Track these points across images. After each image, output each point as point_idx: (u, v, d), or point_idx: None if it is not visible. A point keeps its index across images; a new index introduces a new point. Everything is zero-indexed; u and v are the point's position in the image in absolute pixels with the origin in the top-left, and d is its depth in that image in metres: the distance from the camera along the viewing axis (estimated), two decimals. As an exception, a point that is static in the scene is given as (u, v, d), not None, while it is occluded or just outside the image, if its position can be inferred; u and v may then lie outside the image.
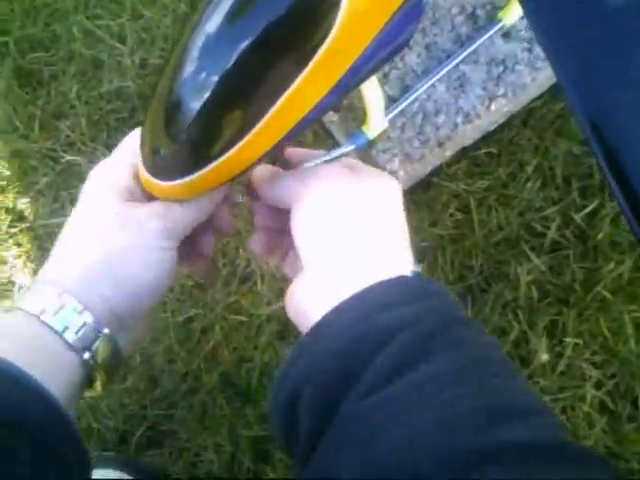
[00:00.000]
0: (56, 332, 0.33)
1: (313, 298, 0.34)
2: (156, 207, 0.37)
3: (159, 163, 0.36)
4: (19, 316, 0.34)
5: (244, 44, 0.32)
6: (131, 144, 0.39)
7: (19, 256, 0.89)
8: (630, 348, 0.79)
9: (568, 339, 0.80)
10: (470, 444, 0.26)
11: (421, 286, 0.34)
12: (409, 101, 0.75)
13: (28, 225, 0.90)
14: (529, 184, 0.85)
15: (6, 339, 0.33)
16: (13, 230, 0.90)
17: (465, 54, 0.76)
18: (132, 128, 0.39)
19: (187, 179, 0.36)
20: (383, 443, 0.27)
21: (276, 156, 0.41)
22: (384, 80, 0.77)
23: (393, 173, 0.76)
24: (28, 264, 0.89)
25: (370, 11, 0.34)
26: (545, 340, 0.80)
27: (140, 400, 0.81)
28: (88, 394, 0.37)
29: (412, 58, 0.78)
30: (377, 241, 0.35)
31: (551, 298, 0.82)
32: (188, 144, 0.35)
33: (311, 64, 0.34)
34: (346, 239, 0.35)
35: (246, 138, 0.35)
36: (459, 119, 0.77)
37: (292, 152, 0.43)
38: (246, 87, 0.33)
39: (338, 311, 0.32)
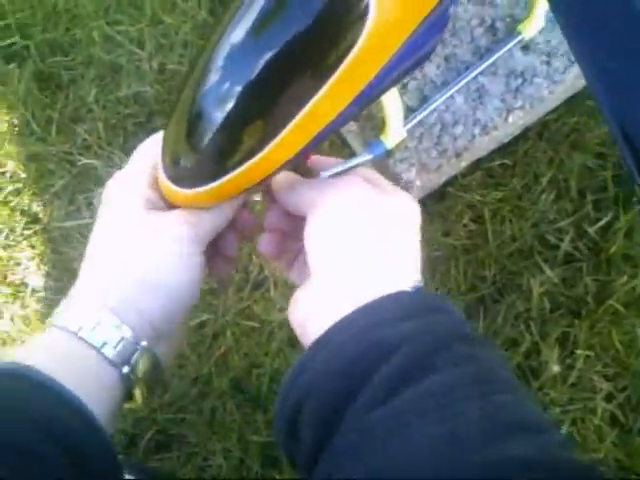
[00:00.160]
0: (95, 348, 0.33)
1: (316, 309, 0.35)
2: (184, 214, 0.37)
3: (181, 172, 0.36)
4: (56, 333, 0.34)
5: (269, 55, 0.32)
6: (146, 153, 0.39)
7: (32, 258, 0.90)
8: (642, 362, 0.79)
9: (579, 351, 0.80)
10: (472, 460, 0.26)
11: (424, 301, 0.34)
12: (427, 112, 0.75)
13: (43, 227, 0.90)
14: (543, 196, 0.85)
15: (47, 357, 0.33)
16: (28, 232, 0.90)
17: (484, 66, 0.77)
18: (149, 132, 0.40)
19: (209, 187, 0.36)
20: (384, 459, 0.27)
21: (298, 164, 0.41)
22: (403, 90, 0.78)
23: (410, 183, 0.76)
24: (41, 266, 0.89)
25: (397, 22, 0.34)
26: (556, 352, 0.80)
27: (149, 404, 0.81)
28: (128, 406, 0.37)
29: (431, 69, 0.79)
30: (388, 257, 0.35)
31: (563, 310, 0.82)
32: (211, 153, 0.35)
33: (335, 75, 0.34)
34: (357, 252, 0.35)
35: (268, 148, 0.35)
36: (477, 130, 0.77)
37: (314, 160, 0.43)
38: (270, 98, 0.34)
39: (337, 327, 0.32)
